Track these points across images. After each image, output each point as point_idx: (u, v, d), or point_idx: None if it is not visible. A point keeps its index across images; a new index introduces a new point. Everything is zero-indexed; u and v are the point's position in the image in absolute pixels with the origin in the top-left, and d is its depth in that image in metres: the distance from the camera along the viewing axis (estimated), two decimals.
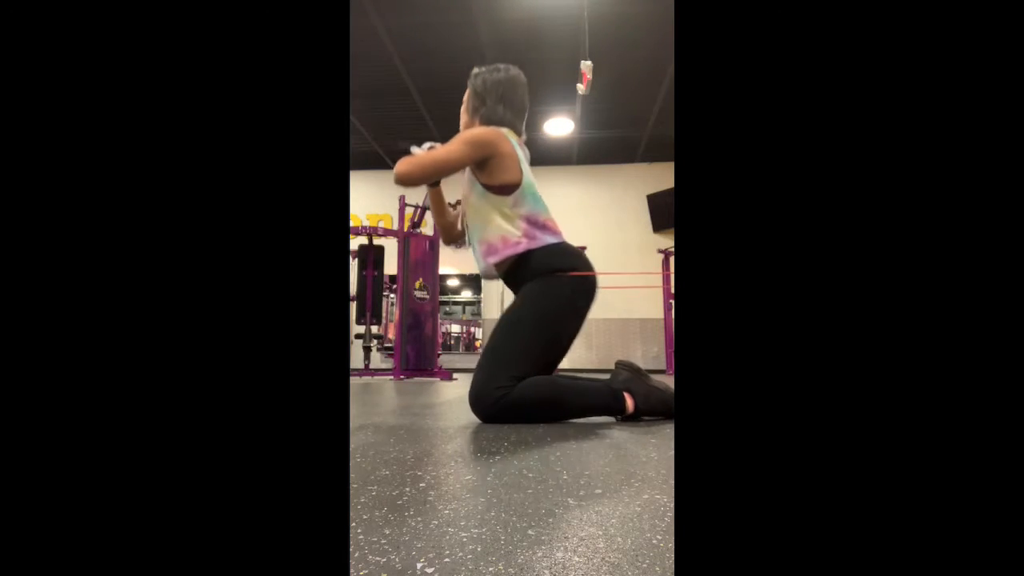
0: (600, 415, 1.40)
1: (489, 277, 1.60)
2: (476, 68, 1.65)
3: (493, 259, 1.52)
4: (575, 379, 1.41)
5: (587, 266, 1.51)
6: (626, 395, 1.38)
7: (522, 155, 1.56)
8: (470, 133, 1.49)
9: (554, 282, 1.46)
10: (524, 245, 1.48)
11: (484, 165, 1.50)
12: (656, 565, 0.40)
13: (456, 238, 1.76)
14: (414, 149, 1.55)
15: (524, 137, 1.66)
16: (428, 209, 4.61)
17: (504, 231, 1.51)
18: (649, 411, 1.38)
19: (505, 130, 1.56)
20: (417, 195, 4.91)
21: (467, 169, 1.56)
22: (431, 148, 1.56)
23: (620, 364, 1.44)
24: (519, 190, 1.51)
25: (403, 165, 1.47)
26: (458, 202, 1.79)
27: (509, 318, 1.46)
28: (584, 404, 1.37)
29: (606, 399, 1.37)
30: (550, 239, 1.51)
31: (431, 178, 1.49)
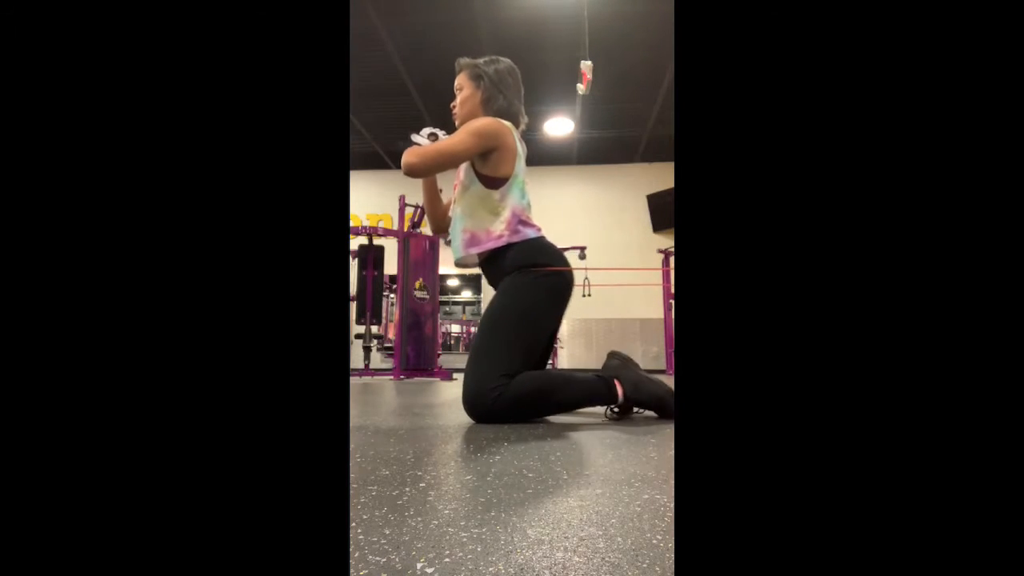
0: (593, 405, 1.42)
1: (465, 265, 1.62)
2: (466, 59, 1.63)
3: (475, 249, 1.54)
4: (566, 372, 1.44)
5: (563, 262, 1.53)
6: (616, 382, 1.40)
7: (521, 150, 1.57)
8: (479, 125, 1.49)
9: (531, 277, 1.48)
10: (506, 239, 1.50)
11: (486, 156, 1.51)
12: (656, 565, 0.40)
13: (446, 227, 1.76)
14: (415, 138, 1.55)
15: (525, 125, 1.67)
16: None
17: (489, 223, 1.52)
18: (638, 401, 1.40)
19: (509, 124, 1.56)
20: (418, 195, 4.90)
21: None
22: (431, 135, 1.56)
23: (612, 354, 1.48)
24: (508, 183, 1.52)
25: (410, 156, 1.46)
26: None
27: (491, 316, 1.47)
28: (577, 394, 1.39)
29: (597, 387, 1.40)
30: (531, 233, 1.53)
31: (439, 170, 1.48)
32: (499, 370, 1.38)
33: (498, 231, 1.51)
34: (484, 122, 1.50)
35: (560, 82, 5.54)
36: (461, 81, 1.62)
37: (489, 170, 1.52)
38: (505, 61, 1.63)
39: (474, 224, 1.54)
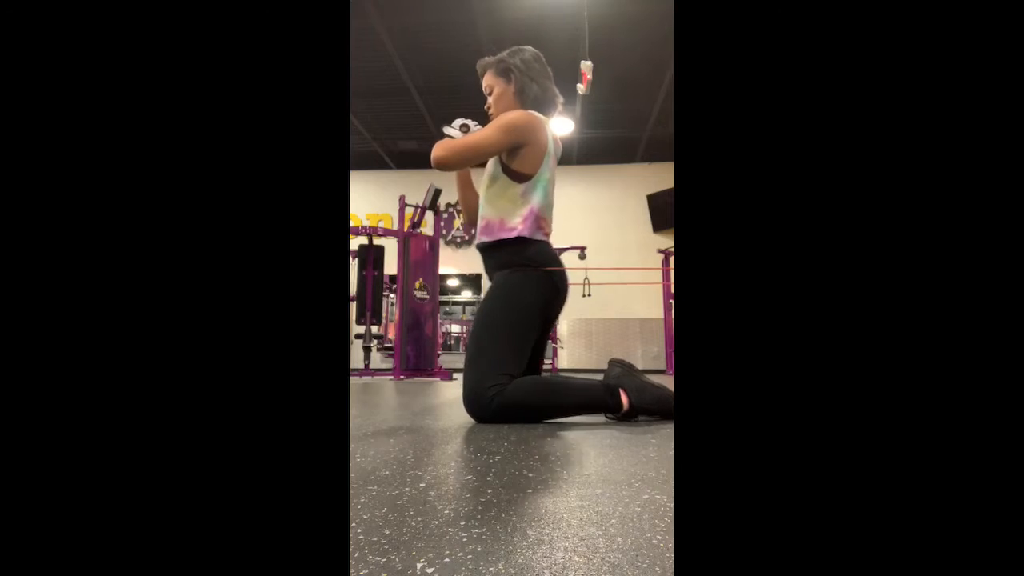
0: (595, 412, 1.40)
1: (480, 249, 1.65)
2: (487, 58, 1.62)
3: (486, 238, 1.55)
4: (569, 378, 1.42)
5: (558, 263, 1.54)
6: (620, 391, 1.38)
7: (552, 149, 1.56)
8: (509, 119, 1.48)
9: (523, 275, 1.49)
10: (517, 233, 1.50)
11: (515, 151, 1.50)
12: (656, 565, 0.40)
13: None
14: (447, 130, 1.56)
15: (562, 105, 1.66)
16: (428, 209, 4.59)
17: (505, 214, 1.52)
18: (643, 407, 1.38)
19: (543, 118, 1.55)
20: (417, 195, 4.90)
21: None
22: (463, 126, 1.56)
23: (613, 361, 1.46)
24: (532, 181, 1.52)
25: (439, 150, 1.47)
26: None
27: (484, 314, 1.48)
28: (579, 400, 1.38)
29: (601, 395, 1.38)
30: (540, 237, 1.53)
31: (467, 164, 1.49)
32: (497, 368, 1.38)
33: (511, 224, 1.51)
34: (516, 116, 1.48)
35: (560, 82, 5.53)
36: (489, 80, 1.61)
37: (514, 163, 1.51)
38: (528, 49, 1.62)
39: (493, 213, 1.54)
